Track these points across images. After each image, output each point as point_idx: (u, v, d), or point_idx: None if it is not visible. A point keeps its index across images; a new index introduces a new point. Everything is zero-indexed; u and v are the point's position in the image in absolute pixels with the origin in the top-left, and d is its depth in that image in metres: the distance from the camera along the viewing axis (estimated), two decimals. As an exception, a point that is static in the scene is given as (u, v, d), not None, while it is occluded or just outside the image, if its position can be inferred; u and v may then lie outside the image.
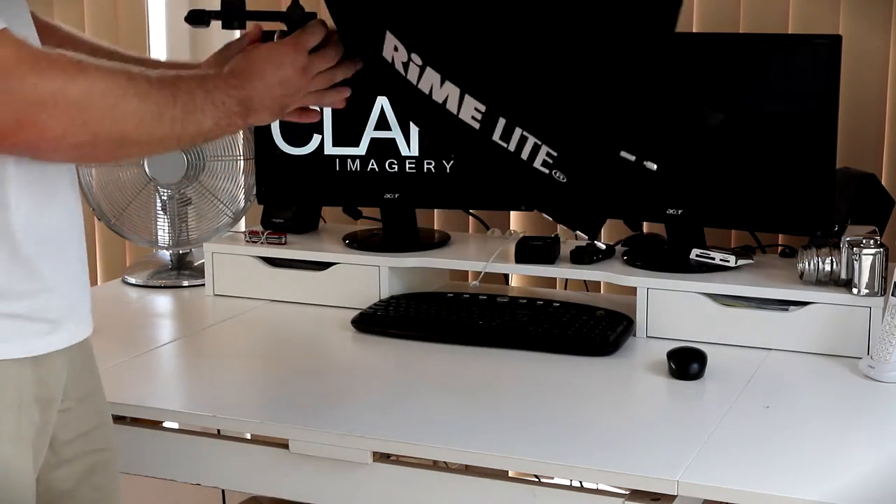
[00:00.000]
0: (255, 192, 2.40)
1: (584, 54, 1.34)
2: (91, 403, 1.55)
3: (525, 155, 1.45)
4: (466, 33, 1.45)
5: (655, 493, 1.49)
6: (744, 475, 1.49)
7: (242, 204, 2.46)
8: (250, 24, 1.63)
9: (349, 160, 2.30)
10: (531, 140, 1.43)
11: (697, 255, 2.07)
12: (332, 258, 2.27)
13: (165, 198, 2.46)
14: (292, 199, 2.39)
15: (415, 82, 1.51)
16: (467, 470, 1.64)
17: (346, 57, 1.55)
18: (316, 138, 2.31)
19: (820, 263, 1.95)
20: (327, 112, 2.28)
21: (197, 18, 1.63)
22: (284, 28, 1.58)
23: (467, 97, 1.47)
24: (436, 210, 2.59)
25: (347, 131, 2.29)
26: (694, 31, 2.37)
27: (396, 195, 2.29)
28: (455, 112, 1.49)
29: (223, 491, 2.43)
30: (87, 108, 1.31)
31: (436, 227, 2.57)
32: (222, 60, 1.56)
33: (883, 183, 2.23)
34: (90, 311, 1.50)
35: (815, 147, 1.96)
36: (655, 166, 1.39)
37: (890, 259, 1.93)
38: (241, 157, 2.44)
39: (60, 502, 1.51)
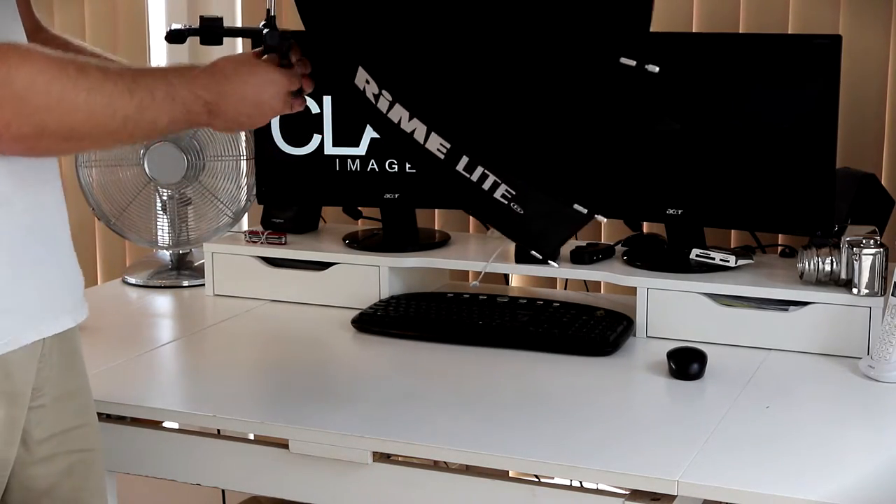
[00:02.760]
0: (255, 192, 2.40)
1: (542, 92, 1.39)
2: (73, 402, 1.51)
3: (486, 187, 1.51)
4: (432, 74, 1.49)
5: (655, 493, 1.49)
6: (744, 475, 1.49)
7: (242, 204, 2.46)
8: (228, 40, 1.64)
9: (349, 160, 2.30)
10: (491, 177, 1.49)
11: (697, 255, 2.07)
12: (332, 258, 2.27)
13: (165, 198, 2.46)
14: (292, 199, 2.38)
15: (385, 112, 1.55)
16: (467, 470, 1.64)
17: (315, 78, 1.57)
18: (316, 138, 2.31)
19: (820, 263, 1.95)
20: (327, 112, 2.28)
21: (177, 38, 1.63)
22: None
23: (433, 134, 1.52)
24: (436, 210, 2.59)
25: (347, 131, 2.29)
26: (694, 31, 2.38)
27: (396, 195, 2.29)
28: (422, 142, 1.53)
29: (223, 491, 2.43)
30: (31, 98, 1.26)
31: (436, 227, 2.57)
32: None
33: (883, 183, 2.23)
34: (64, 309, 1.46)
35: (815, 147, 1.96)
36: (605, 220, 1.47)
37: (890, 259, 1.93)
38: (242, 157, 2.44)
39: (38, 501, 1.48)
